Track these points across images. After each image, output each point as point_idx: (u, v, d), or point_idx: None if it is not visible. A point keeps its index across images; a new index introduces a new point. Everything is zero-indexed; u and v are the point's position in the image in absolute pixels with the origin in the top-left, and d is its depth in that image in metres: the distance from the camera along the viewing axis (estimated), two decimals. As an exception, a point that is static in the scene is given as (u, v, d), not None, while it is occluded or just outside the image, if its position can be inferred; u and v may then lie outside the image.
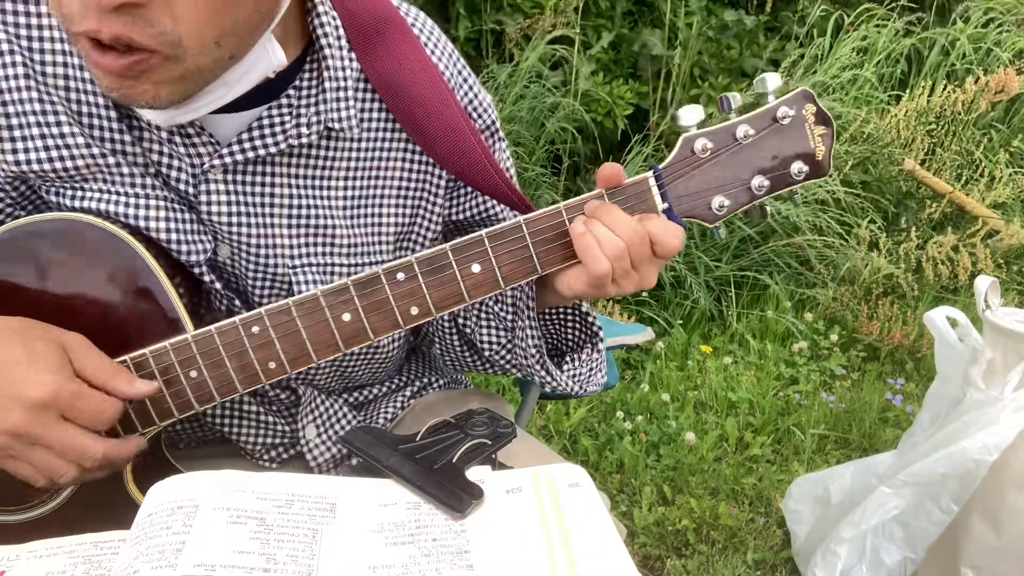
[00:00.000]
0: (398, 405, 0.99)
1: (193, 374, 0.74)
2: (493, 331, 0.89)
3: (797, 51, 3.25)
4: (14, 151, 0.72)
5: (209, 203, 0.76)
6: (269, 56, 0.70)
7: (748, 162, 0.78)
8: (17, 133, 0.72)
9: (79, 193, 0.74)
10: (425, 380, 1.03)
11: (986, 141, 3.38)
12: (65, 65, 0.71)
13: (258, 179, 0.77)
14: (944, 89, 3.22)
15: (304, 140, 0.76)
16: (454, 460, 0.68)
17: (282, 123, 0.75)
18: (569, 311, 0.92)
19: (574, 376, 0.90)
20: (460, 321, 0.91)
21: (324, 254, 0.81)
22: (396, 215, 0.85)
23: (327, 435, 0.90)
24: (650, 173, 0.78)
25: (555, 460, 0.88)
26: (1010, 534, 1.44)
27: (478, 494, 0.64)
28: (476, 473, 0.67)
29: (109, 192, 0.74)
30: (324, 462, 0.91)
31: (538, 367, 0.87)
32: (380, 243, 0.85)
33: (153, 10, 0.59)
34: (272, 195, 0.78)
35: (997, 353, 1.45)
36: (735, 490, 2.01)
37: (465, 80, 0.86)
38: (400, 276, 0.74)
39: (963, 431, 1.41)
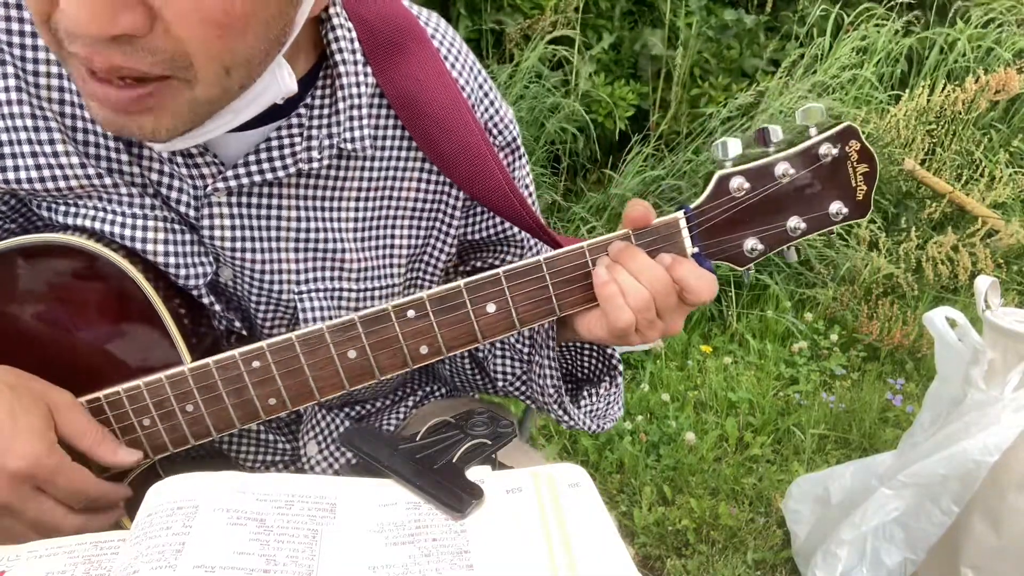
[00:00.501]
0: (400, 416, 0.97)
1: (189, 408, 0.71)
2: (508, 362, 0.86)
3: (797, 51, 3.25)
4: (3, 169, 0.67)
5: (212, 227, 0.72)
6: (278, 83, 0.65)
7: (785, 202, 0.73)
8: (7, 150, 0.67)
9: (72, 210, 0.70)
10: (428, 389, 1.01)
11: (986, 141, 3.38)
12: (60, 77, 0.67)
13: (264, 202, 0.73)
14: (944, 89, 3.22)
15: (315, 164, 0.72)
16: (454, 460, 0.68)
17: (292, 145, 0.70)
18: (587, 343, 0.88)
19: (591, 412, 0.85)
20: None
21: (332, 279, 0.77)
22: (409, 236, 0.81)
23: (328, 451, 0.88)
24: (680, 213, 0.73)
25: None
26: (1010, 534, 1.44)
27: (478, 494, 0.64)
28: (476, 473, 0.67)
29: (104, 211, 0.70)
30: None
31: (555, 406, 0.83)
32: (392, 265, 0.80)
33: (153, 38, 0.53)
34: (279, 219, 0.74)
35: (997, 353, 1.45)
36: (735, 490, 2.01)
37: (486, 95, 0.81)
38: (410, 313, 0.71)
39: (964, 431, 1.41)
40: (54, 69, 0.66)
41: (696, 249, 0.74)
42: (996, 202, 3.12)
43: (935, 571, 1.57)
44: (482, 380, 0.92)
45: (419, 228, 0.81)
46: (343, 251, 0.77)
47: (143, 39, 0.53)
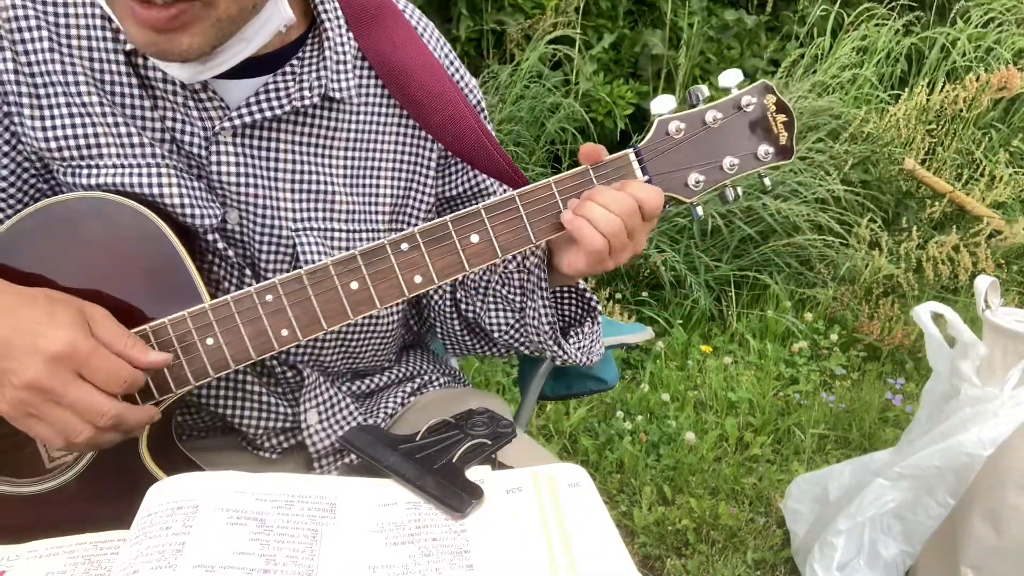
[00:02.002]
0: (398, 400, 1.00)
1: (209, 341, 0.78)
2: (502, 313, 0.94)
3: (797, 51, 3.25)
4: (42, 118, 0.78)
5: (219, 163, 0.82)
6: (280, 12, 0.78)
7: (718, 144, 0.86)
8: (45, 102, 0.78)
9: (94, 171, 0.79)
10: (426, 377, 1.05)
11: (986, 141, 3.38)
12: (89, 37, 0.78)
13: (263, 143, 0.83)
14: (944, 88, 3.23)
15: (307, 102, 0.82)
16: (454, 460, 0.68)
17: (286, 88, 0.82)
18: (567, 290, 0.97)
19: (580, 348, 0.96)
20: (462, 306, 0.95)
21: (325, 219, 0.87)
22: (391, 187, 0.91)
23: (328, 423, 0.93)
24: (631, 150, 0.85)
25: (552, 462, 0.88)
26: (1010, 534, 1.44)
27: (478, 494, 0.64)
28: (476, 473, 0.67)
29: (122, 165, 0.79)
30: (324, 449, 0.92)
31: (551, 342, 0.93)
32: (376, 212, 0.90)
33: None
34: (277, 159, 0.84)
35: (997, 352, 1.45)
36: (735, 490, 2.01)
37: (452, 63, 0.94)
38: (404, 246, 0.80)
39: (960, 427, 1.41)
40: (83, 32, 0.78)
41: (647, 178, 0.85)
42: (996, 202, 3.12)
43: (935, 570, 1.57)
44: (471, 339, 1.00)
45: (400, 179, 0.92)
46: (333, 193, 0.87)
47: None
